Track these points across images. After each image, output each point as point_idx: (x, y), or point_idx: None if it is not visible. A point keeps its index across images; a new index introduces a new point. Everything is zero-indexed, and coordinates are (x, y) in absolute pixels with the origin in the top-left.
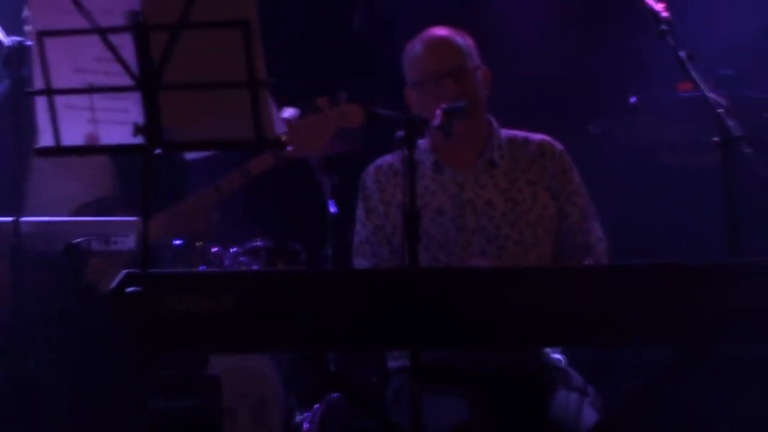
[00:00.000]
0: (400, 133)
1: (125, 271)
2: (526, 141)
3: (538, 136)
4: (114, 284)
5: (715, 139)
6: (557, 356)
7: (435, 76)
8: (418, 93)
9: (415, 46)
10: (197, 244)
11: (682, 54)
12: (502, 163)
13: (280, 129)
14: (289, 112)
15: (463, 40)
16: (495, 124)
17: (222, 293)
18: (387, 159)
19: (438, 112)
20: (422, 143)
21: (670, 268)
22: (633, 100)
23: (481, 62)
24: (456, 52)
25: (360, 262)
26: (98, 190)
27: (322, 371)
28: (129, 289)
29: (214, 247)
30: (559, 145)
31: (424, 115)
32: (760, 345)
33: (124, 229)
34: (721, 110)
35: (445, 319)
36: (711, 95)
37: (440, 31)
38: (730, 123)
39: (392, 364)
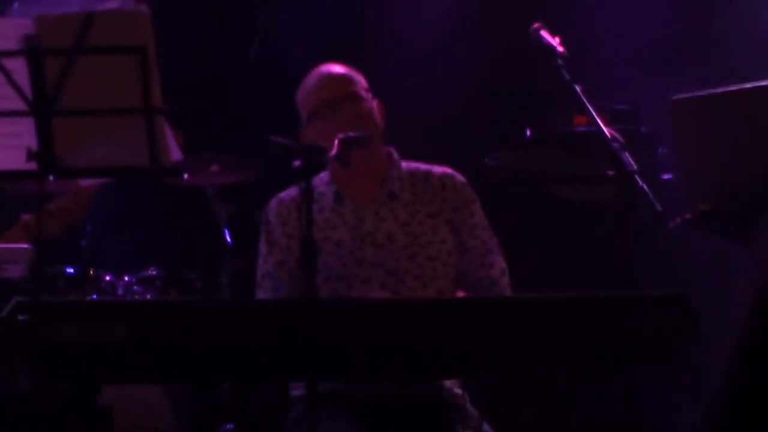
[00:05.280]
0: (297, 163)
1: (16, 299)
2: (428, 173)
3: (440, 169)
4: (4, 313)
5: (610, 173)
6: (457, 391)
7: (330, 102)
8: (315, 125)
9: (309, 80)
10: (90, 272)
11: (577, 88)
12: (403, 196)
13: (176, 156)
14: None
15: (354, 73)
16: (395, 155)
17: (113, 322)
18: (290, 192)
19: (335, 142)
20: (324, 175)
21: (565, 300)
22: (529, 132)
23: (374, 95)
24: (349, 80)
25: (262, 296)
26: None
27: (215, 401)
28: (19, 318)
29: (107, 275)
30: (461, 178)
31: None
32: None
33: (14, 256)
34: (615, 144)
35: (341, 350)
36: (606, 129)
37: (332, 65)
38: (625, 157)
39: (294, 392)
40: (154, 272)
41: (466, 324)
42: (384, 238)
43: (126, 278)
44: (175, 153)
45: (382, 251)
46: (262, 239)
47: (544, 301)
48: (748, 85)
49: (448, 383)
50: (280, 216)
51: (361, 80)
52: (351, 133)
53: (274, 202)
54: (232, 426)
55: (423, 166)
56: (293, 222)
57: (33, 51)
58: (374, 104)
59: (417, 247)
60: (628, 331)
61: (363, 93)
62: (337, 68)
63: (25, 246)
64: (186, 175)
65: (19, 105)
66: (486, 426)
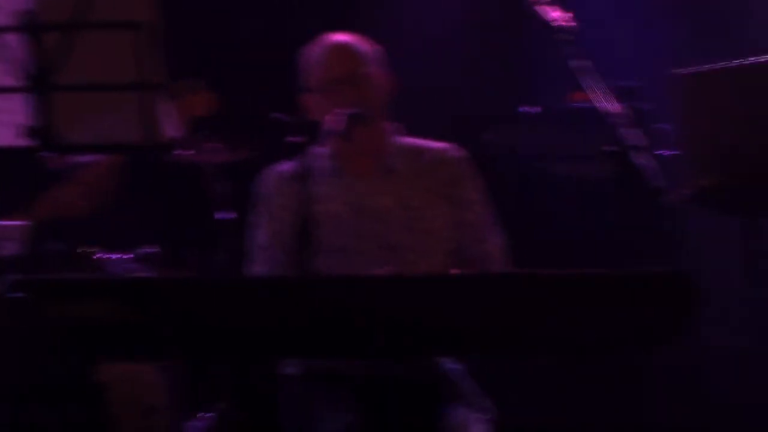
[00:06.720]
0: (293, 139)
1: (9, 276)
2: (426, 148)
3: (439, 144)
4: None
5: (606, 148)
6: (454, 366)
7: (333, 81)
8: (316, 99)
9: (313, 51)
10: (83, 250)
11: (578, 64)
12: (401, 170)
13: (172, 132)
14: None
15: (363, 46)
16: (394, 130)
17: (109, 300)
18: (286, 165)
19: (341, 116)
20: (321, 150)
21: (562, 277)
22: (524, 109)
23: (384, 69)
24: (354, 58)
25: (255, 268)
26: None
27: (211, 379)
28: (12, 296)
29: (100, 253)
30: (459, 152)
31: (321, 121)
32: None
33: (8, 233)
34: (613, 120)
35: (338, 328)
36: (604, 105)
37: (339, 37)
38: (624, 133)
39: (286, 370)
40: (149, 250)
41: (460, 302)
42: (381, 212)
43: (120, 256)
44: (170, 129)
45: (379, 225)
46: (256, 210)
47: (540, 278)
48: (749, 61)
49: (445, 360)
50: (276, 187)
51: (369, 52)
52: (356, 109)
53: (267, 174)
54: (227, 403)
55: (422, 142)
56: (288, 194)
57: (30, 26)
58: (381, 78)
59: (413, 221)
60: (627, 309)
61: (369, 71)
62: (344, 41)
63: (20, 223)
64: (192, 152)
65: (12, 81)
66: (485, 402)
